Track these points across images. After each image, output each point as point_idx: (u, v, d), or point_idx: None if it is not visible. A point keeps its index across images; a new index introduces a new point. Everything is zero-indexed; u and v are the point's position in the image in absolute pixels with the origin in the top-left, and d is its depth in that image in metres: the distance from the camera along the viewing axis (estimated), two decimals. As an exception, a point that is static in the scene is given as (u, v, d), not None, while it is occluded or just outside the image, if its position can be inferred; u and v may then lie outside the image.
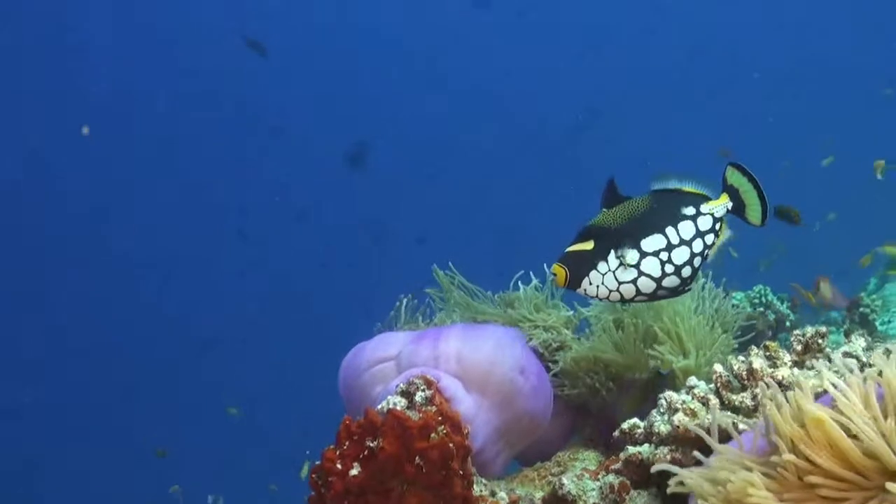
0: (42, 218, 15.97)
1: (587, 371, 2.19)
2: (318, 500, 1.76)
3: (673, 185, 1.78)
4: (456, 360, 1.94)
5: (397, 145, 17.59)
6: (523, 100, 18.35)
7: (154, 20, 17.61)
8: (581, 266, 1.75)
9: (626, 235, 1.73)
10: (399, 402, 1.79)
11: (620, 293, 1.76)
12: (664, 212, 1.75)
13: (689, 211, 1.76)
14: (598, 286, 1.75)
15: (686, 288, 1.79)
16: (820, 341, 1.76)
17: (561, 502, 1.84)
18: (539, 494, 1.90)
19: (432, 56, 18.71)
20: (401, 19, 18.67)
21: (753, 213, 1.78)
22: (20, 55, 16.67)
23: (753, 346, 1.81)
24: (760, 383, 1.62)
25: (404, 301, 2.35)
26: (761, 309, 4.05)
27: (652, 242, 1.74)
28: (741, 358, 1.78)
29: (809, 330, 1.76)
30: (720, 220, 1.77)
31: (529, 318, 2.29)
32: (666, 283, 1.76)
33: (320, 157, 16.69)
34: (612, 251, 1.74)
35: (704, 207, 1.77)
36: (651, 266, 1.74)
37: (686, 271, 1.76)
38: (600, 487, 1.83)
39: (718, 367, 1.78)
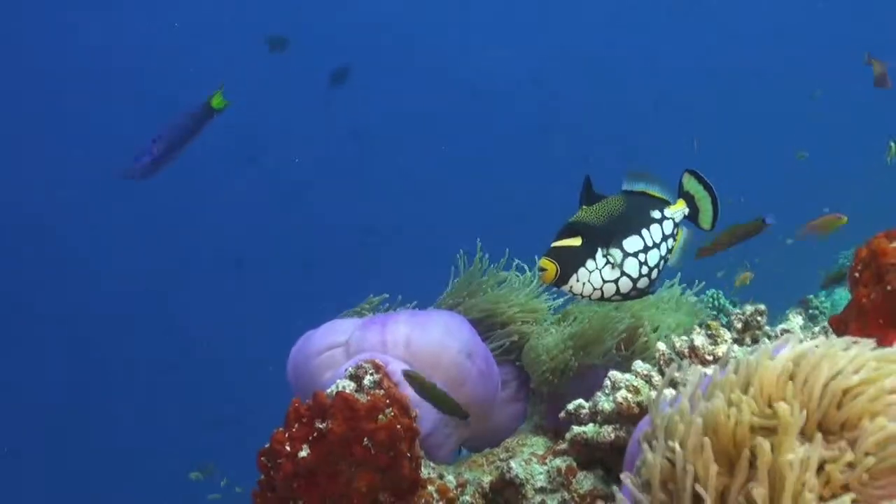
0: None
1: (553, 357, 2.20)
2: (268, 483, 1.77)
3: (640, 187, 1.81)
4: (404, 345, 1.96)
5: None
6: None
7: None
8: (571, 263, 1.74)
9: (611, 235, 1.75)
10: (348, 386, 1.81)
11: (602, 292, 1.77)
12: (637, 213, 1.78)
13: (656, 214, 1.80)
14: (584, 284, 1.75)
15: (651, 290, 1.83)
16: (759, 318, 1.79)
17: (509, 486, 1.86)
18: (487, 479, 1.92)
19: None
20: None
21: (705, 218, 1.83)
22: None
23: (696, 326, 1.85)
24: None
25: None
26: (714, 313, 4.11)
27: (632, 243, 1.77)
28: (683, 336, 1.81)
29: (749, 308, 1.80)
30: (677, 225, 1.81)
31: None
32: (640, 284, 1.79)
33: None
34: (600, 249, 1.74)
35: (667, 212, 1.80)
36: (631, 266, 1.77)
37: (654, 273, 1.80)
38: (548, 471, 1.86)
39: (661, 346, 1.81)
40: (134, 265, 15.91)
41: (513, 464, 1.86)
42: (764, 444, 1.05)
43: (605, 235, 1.75)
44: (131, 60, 17.09)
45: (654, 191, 1.81)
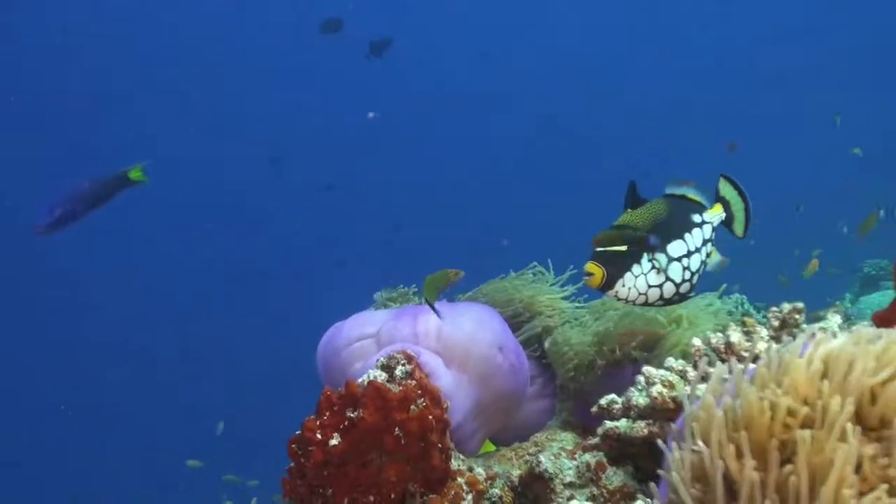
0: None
1: (577, 353, 2.20)
2: (298, 471, 1.77)
3: (681, 191, 1.80)
4: (436, 337, 1.96)
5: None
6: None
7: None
8: (617, 267, 1.72)
9: (657, 239, 1.73)
10: (379, 376, 1.81)
11: (647, 297, 1.75)
12: (680, 217, 1.76)
13: (697, 218, 1.78)
14: (629, 289, 1.73)
15: (691, 294, 1.81)
16: (797, 317, 1.78)
17: (538, 480, 1.86)
18: (516, 472, 1.91)
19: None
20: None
21: (738, 225, 1.82)
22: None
23: (731, 322, 1.84)
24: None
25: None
26: (738, 317, 4.09)
27: (677, 247, 1.75)
28: (718, 333, 1.80)
29: (787, 306, 1.79)
30: (715, 229, 1.80)
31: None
32: (682, 289, 1.77)
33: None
34: (646, 254, 1.72)
35: (706, 216, 1.79)
36: (675, 271, 1.75)
37: (696, 279, 1.78)
38: (577, 466, 1.85)
39: (696, 342, 1.80)
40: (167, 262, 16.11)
41: (542, 458, 1.85)
42: (805, 436, 1.04)
43: (647, 240, 1.73)
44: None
45: (692, 194, 1.80)
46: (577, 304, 2.40)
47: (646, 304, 1.77)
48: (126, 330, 15.00)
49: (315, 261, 16.11)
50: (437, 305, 2.02)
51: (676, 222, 1.76)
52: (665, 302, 1.79)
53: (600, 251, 1.72)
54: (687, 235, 1.77)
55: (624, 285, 1.73)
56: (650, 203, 1.75)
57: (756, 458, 1.09)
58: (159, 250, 16.71)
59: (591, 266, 1.72)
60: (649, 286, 1.74)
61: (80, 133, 16.95)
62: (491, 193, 17.43)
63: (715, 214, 1.81)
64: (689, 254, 1.76)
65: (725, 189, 1.82)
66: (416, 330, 1.96)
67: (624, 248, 1.72)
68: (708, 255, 1.80)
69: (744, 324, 1.80)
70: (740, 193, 1.82)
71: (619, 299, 1.77)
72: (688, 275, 1.76)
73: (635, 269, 1.72)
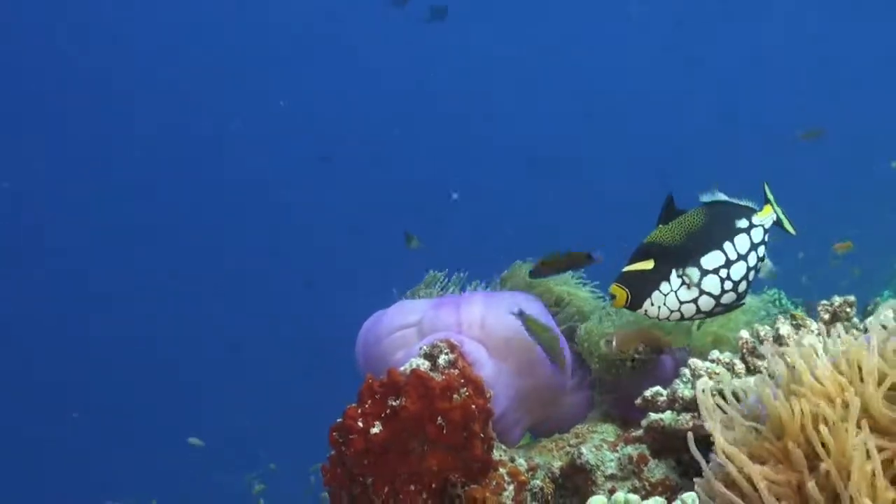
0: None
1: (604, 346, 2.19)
2: (338, 459, 1.77)
3: (723, 197, 1.76)
4: (479, 326, 1.95)
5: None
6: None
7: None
8: (643, 287, 1.71)
9: (688, 254, 1.70)
10: (422, 364, 1.80)
11: (682, 313, 1.73)
12: (719, 226, 1.73)
13: (743, 223, 1.74)
14: (659, 307, 1.72)
15: (741, 303, 1.78)
16: (848, 310, 1.76)
17: (579, 472, 1.85)
18: (557, 464, 1.90)
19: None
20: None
21: (788, 223, 1.79)
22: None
23: (780, 315, 1.82)
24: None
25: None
26: (776, 312, 4.05)
27: (712, 259, 1.72)
28: (767, 326, 1.79)
29: (837, 299, 1.77)
30: (767, 231, 1.76)
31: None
32: (724, 299, 1.74)
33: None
34: (674, 271, 1.70)
35: (755, 219, 1.75)
36: (712, 284, 1.72)
37: (742, 286, 1.75)
38: (619, 458, 1.84)
39: (745, 334, 1.78)
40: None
41: (583, 449, 1.84)
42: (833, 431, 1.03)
43: (680, 254, 1.70)
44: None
45: (739, 199, 1.76)
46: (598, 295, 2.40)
47: (682, 318, 1.75)
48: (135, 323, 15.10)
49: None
50: (480, 293, 2.01)
51: (716, 231, 1.72)
52: (707, 314, 1.76)
53: (625, 272, 1.71)
54: (727, 244, 1.72)
55: (653, 304, 1.72)
56: (685, 215, 1.72)
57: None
58: (168, 242, 16.80)
59: (614, 288, 1.72)
60: (681, 302, 1.72)
61: (81, 130, 17.11)
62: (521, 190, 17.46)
63: (766, 216, 1.77)
64: (728, 263, 1.72)
65: (769, 193, 1.79)
66: (459, 319, 1.95)
67: (650, 265, 1.70)
68: (761, 259, 1.76)
69: (793, 317, 1.78)
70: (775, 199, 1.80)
71: (648, 316, 1.75)
72: (729, 285, 1.72)
73: (664, 286, 1.71)
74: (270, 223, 17.43)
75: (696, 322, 2.07)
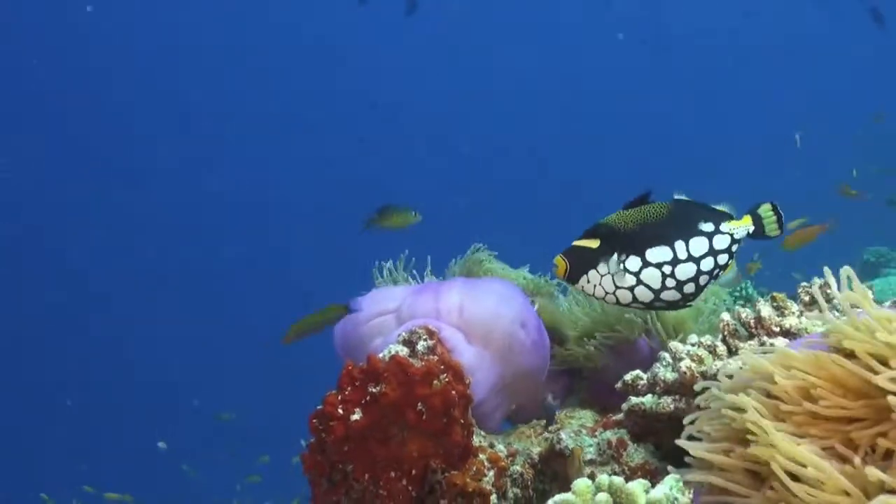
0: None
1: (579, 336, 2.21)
2: (319, 446, 1.76)
3: (699, 198, 1.75)
4: (458, 313, 1.94)
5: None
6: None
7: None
8: (581, 263, 1.72)
9: (635, 242, 1.70)
10: (401, 350, 1.79)
11: (616, 297, 1.73)
12: (680, 223, 1.70)
13: (707, 227, 1.69)
14: (594, 286, 1.73)
15: (686, 304, 1.76)
16: (829, 292, 1.76)
17: (558, 457, 1.85)
18: (536, 449, 1.90)
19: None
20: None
21: (771, 227, 1.73)
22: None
23: (760, 298, 1.83)
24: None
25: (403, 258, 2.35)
26: (741, 302, 4.08)
27: (658, 253, 1.70)
28: (748, 308, 1.79)
29: (818, 281, 1.78)
30: (738, 241, 1.72)
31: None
32: (665, 296, 1.73)
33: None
34: (616, 255, 1.70)
35: (725, 226, 1.72)
36: (651, 277, 1.71)
37: (689, 287, 1.72)
38: (598, 443, 1.84)
39: (725, 316, 1.79)
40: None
41: (563, 435, 1.85)
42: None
43: (627, 241, 1.70)
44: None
45: (719, 205, 1.73)
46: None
47: (619, 304, 1.75)
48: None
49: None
50: (459, 280, 2.01)
51: (673, 228, 1.70)
52: (646, 306, 1.75)
53: (572, 245, 1.73)
54: (679, 243, 1.70)
55: (589, 282, 1.72)
56: (648, 205, 1.71)
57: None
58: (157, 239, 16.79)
59: (558, 259, 1.73)
60: (616, 287, 1.72)
61: (79, 127, 17.02)
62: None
63: (740, 226, 1.73)
64: (675, 261, 1.70)
65: (766, 212, 1.75)
66: (437, 306, 1.95)
67: (595, 244, 1.70)
68: (721, 267, 1.73)
69: (773, 299, 1.78)
70: (779, 220, 1.74)
71: (587, 294, 1.77)
72: (671, 283, 1.71)
73: (601, 267, 1.71)
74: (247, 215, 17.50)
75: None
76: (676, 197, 1.73)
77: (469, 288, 1.99)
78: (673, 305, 1.75)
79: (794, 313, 1.73)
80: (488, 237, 2.55)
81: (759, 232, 1.72)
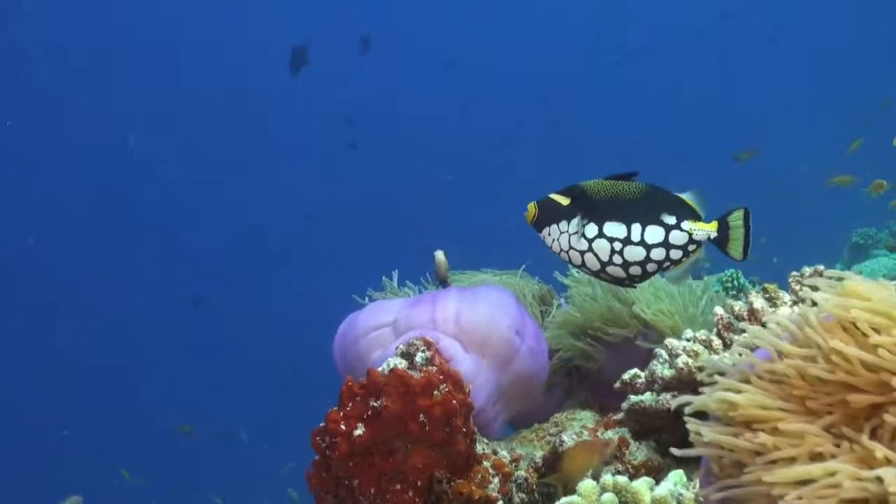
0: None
1: (576, 334, 2.22)
2: (323, 463, 1.77)
3: (676, 190, 1.77)
4: (454, 322, 1.95)
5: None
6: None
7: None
8: (549, 215, 1.79)
9: (598, 212, 1.75)
10: (400, 363, 1.80)
11: (569, 256, 1.78)
12: (644, 208, 1.74)
13: (669, 220, 1.72)
14: (553, 240, 1.79)
15: (631, 284, 1.81)
16: (819, 280, 1.78)
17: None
18: (539, 453, 1.91)
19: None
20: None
21: (735, 250, 1.75)
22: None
23: (751, 287, 1.84)
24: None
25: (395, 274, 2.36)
26: (734, 292, 4.10)
27: (613, 229, 1.74)
28: (741, 300, 1.80)
29: (808, 269, 1.79)
30: (697, 243, 1.74)
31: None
32: (610, 270, 1.77)
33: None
34: (579, 217, 1.75)
35: (686, 224, 1.74)
36: (602, 248, 1.75)
37: (634, 270, 1.76)
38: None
39: (719, 310, 1.80)
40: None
41: (565, 437, 1.86)
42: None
43: (592, 208, 1.75)
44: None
45: (690, 199, 1.75)
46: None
47: (571, 264, 1.82)
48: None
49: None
50: (454, 289, 2.02)
51: (636, 210, 1.74)
52: (593, 274, 1.80)
53: (547, 196, 1.80)
54: (635, 225, 1.73)
55: (549, 234, 1.79)
56: (627, 183, 1.75)
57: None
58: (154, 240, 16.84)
59: (531, 204, 1.80)
60: (570, 247, 1.77)
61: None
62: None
63: (702, 229, 1.74)
64: (626, 241, 1.74)
65: (735, 219, 1.76)
66: (434, 316, 1.96)
67: (566, 201, 1.77)
68: (673, 261, 1.75)
69: (765, 290, 1.80)
70: (746, 228, 1.76)
71: (547, 246, 1.82)
72: (618, 259, 1.75)
73: (562, 224, 1.77)
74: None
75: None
76: (656, 183, 1.76)
77: (464, 297, 2.00)
78: (618, 282, 1.80)
79: (786, 303, 1.75)
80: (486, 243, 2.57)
81: (723, 240, 1.73)
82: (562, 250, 1.79)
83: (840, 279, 1.16)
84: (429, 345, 1.85)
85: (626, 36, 19.48)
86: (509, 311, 2.00)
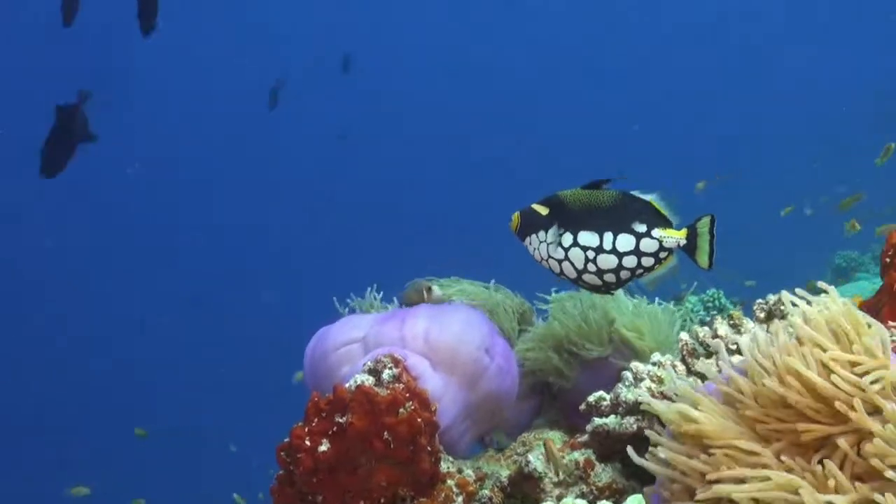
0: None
1: (550, 350, 2.22)
2: (287, 478, 1.77)
3: (650, 197, 1.81)
4: (423, 340, 1.95)
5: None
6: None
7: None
8: (529, 225, 1.87)
9: (573, 219, 1.81)
10: (367, 380, 1.80)
11: (549, 265, 1.87)
12: (616, 217, 1.80)
13: (640, 228, 1.79)
14: (534, 249, 1.87)
15: (608, 291, 1.88)
16: (782, 308, 1.79)
17: (527, 480, 1.86)
18: (505, 473, 1.91)
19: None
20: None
21: (702, 259, 1.80)
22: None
23: (718, 316, 1.85)
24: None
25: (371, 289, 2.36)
26: (714, 312, 4.11)
27: (586, 238, 1.81)
28: (706, 326, 1.81)
29: (772, 297, 1.80)
30: (668, 250, 1.80)
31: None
32: (586, 278, 1.85)
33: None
34: (555, 227, 1.83)
35: (656, 232, 1.79)
36: (577, 257, 1.83)
37: (608, 277, 1.83)
38: (566, 465, 1.85)
39: (684, 336, 1.81)
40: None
41: (531, 457, 1.86)
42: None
43: (567, 218, 1.82)
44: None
45: (662, 207, 1.80)
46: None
47: (552, 271, 1.89)
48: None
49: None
50: (424, 307, 2.02)
51: (608, 219, 1.81)
52: (572, 281, 1.88)
53: (529, 206, 1.88)
54: (607, 234, 1.80)
55: (531, 244, 1.88)
56: (599, 191, 1.82)
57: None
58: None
59: (515, 214, 1.89)
60: (549, 256, 1.86)
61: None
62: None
63: (671, 237, 1.80)
64: (598, 250, 1.81)
65: (703, 226, 1.80)
66: (403, 333, 1.96)
67: (545, 211, 1.84)
68: (646, 268, 1.82)
69: (730, 317, 1.80)
70: (712, 235, 1.80)
71: (530, 254, 1.91)
72: (593, 268, 1.82)
73: (540, 234, 1.85)
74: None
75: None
76: (631, 191, 1.82)
77: (434, 315, 2.00)
78: (595, 289, 1.88)
79: (749, 330, 1.76)
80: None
81: (692, 248, 1.78)
82: (542, 259, 1.87)
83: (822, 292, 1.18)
84: (397, 362, 1.85)
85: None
86: (479, 329, 2.00)
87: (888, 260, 1.52)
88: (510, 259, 2.53)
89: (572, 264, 1.83)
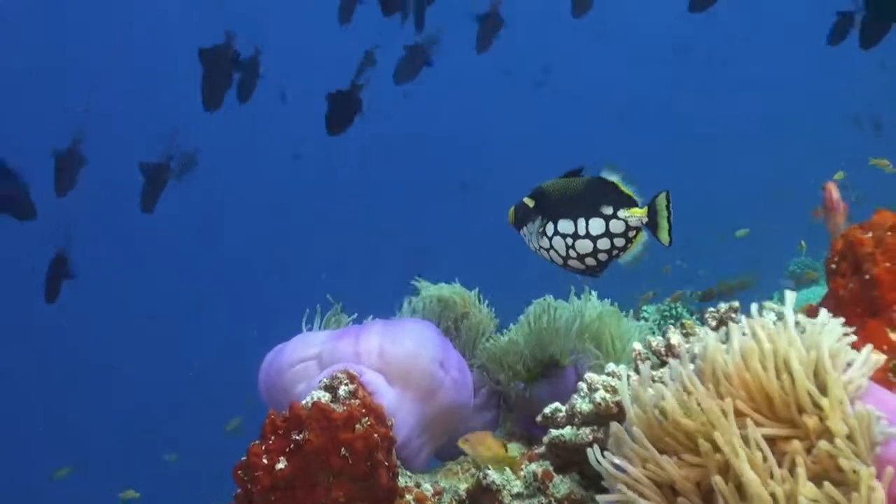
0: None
1: (509, 362, 2.23)
2: (245, 497, 1.75)
3: (616, 178, 1.87)
4: (378, 355, 1.95)
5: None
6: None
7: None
8: (521, 217, 1.97)
9: (553, 210, 1.90)
10: (323, 396, 1.80)
11: (541, 255, 1.97)
12: (587, 201, 1.89)
13: (607, 210, 1.88)
14: (528, 240, 1.96)
15: (594, 275, 1.96)
16: (733, 315, 1.81)
17: (485, 493, 1.86)
18: (463, 486, 1.91)
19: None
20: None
21: (662, 236, 1.87)
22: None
23: (671, 325, 1.87)
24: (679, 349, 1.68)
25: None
26: (671, 321, 4.15)
27: (565, 225, 1.91)
28: (658, 336, 1.83)
29: (723, 306, 1.82)
30: (635, 229, 1.86)
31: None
32: (571, 264, 1.94)
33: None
34: (539, 218, 1.91)
35: (621, 212, 1.85)
36: (559, 245, 1.92)
37: (589, 261, 1.93)
38: (524, 477, 1.86)
39: (637, 345, 1.82)
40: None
41: (489, 471, 1.86)
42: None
43: (549, 207, 1.91)
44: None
45: (627, 188, 1.87)
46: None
47: (548, 259, 1.97)
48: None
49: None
50: (378, 323, 2.02)
51: (582, 204, 1.89)
52: (562, 266, 1.97)
53: (522, 200, 1.95)
54: (581, 220, 1.90)
55: (524, 235, 1.97)
56: (574, 179, 1.90)
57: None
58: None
59: (512, 209, 1.97)
60: (539, 246, 1.95)
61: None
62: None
63: (633, 216, 1.89)
64: (575, 236, 1.90)
65: (661, 202, 1.88)
66: (357, 349, 1.96)
67: (532, 203, 1.94)
68: (620, 249, 1.91)
69: (683, 326, 1.82)
70: (669, 209, 1.88)
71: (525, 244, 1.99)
72: (573, 254, 1.92)
73: (529, 225, 1.95)
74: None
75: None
76: (602, 174, 1.90)
77: (388, 331, 2.00)
78: (582, 272, 1.97)
79: (700, 339, 1.77)
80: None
81: (653, 224, 1.85)
82: (536, 249, 1.97)
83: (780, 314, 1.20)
84: (352, 378, 1.85)
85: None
86: (433, 344, 2.00)
87: (833, 266, 1.55)
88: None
89: (557, 252, 1.93)
